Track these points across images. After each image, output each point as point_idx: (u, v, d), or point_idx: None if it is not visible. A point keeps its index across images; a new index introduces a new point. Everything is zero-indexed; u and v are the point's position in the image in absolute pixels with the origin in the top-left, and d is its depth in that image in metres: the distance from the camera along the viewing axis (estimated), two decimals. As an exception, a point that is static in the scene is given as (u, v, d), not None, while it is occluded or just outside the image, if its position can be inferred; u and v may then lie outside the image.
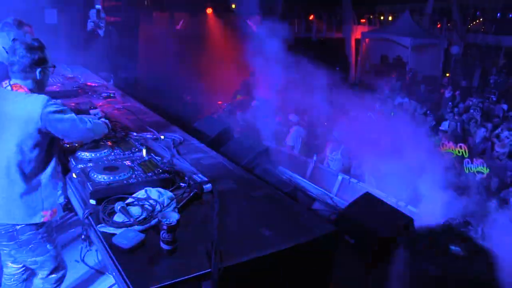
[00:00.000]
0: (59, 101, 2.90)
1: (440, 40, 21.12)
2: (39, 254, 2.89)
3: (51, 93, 4.39)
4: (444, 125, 10.45)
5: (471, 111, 11.63)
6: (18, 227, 2.76)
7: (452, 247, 4.58)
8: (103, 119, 3.33)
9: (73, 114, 2.79)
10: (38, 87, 2.80)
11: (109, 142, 3.36)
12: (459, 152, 7.72)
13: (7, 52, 3.51)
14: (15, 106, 2.68)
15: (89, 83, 5.66)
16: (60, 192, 2.95)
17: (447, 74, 19.36)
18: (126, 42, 8.44)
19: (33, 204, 2.77)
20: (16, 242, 2.80)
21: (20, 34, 3.57)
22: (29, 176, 2.73)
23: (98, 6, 7.17)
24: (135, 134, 3.79)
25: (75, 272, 3.91)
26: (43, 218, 2.81)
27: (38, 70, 2.74)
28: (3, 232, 2.76)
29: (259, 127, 8.95)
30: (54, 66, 2.90)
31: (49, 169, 2.81)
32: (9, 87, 2.73)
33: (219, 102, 12.97)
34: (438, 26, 23.95)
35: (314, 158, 9.24)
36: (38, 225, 2.82)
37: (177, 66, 12.09)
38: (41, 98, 2.68)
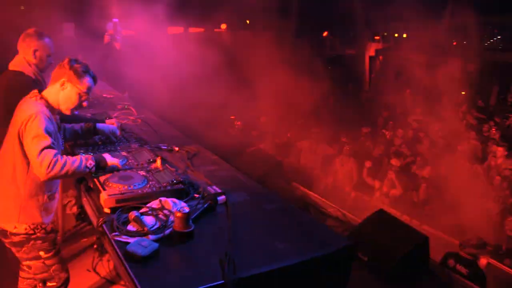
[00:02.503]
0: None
1: (456, 57, 21.02)
2: (32, 259, 2.94)
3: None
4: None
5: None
6: None
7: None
8: (88, 163, 2.85)
9: (47, 147, 2.67)
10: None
11: (123, 152, 3.38)
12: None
13: (28, 63, 3.60)
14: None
15: (104, 95, 5.71)
16: (72, 201, 2.98)
17: (463, 92, 19.23)
18: (142, 55, 8.50)
19: (9, 212, 2.84)
20: (10, 241, 2.89)
21: (40, 45, 3.62)
22: (18, 183, 2.80)
23: (116, 19, 7.26)
24: (149, 145, 3.80)
25: (86, 281, 3.90)
26: (15, 230, 2.84)
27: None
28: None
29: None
30: None
31: (33, 185, 2.83)
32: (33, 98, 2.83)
33: (232, 117, 13.00)
34: (454, 43, 23.86)
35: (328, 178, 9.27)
36: (26, 234, 2.87)
37: (192, 79, 12.16)
38: (32, 111, 2.72)
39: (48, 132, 2.70)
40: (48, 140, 2.67)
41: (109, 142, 3.66)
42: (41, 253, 2.94)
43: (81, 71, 2.89)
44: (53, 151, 2.64)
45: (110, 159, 2.97)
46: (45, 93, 2.90)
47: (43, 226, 2.91)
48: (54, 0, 6.91)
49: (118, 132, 3.73)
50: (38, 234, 2.90)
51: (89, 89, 2.94)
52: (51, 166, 2.60)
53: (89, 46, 7.34)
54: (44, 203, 2.89)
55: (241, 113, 12.88)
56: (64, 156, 2.72)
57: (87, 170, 2.80)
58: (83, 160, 2.78)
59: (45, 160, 2.60)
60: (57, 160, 2.62)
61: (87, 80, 2.92)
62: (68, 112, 2.95)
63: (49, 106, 2.86)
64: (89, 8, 7.22)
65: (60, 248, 3.13)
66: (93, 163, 2.82)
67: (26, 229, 2.85)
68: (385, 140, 11.12)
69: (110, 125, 3.75)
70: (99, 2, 7.63)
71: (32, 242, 2.89)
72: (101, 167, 2.89)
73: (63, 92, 2.88)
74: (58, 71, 2.89)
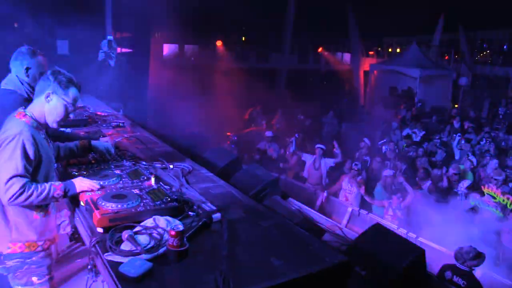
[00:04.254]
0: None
1: (449, 71, 21.20)
2: (24, 285, 2.86)
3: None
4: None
5: (482, 143, 11.56)
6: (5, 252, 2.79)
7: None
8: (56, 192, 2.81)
9: (17, 175, 2.61)
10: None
11: (117, 171, 3.35)
12: (504, 201, 7.47)
13: (20, 81, 3.57)
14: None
15: (99, 113, 5.70)
16: (66, 221, 2.94)
17: (456, 105, 19.37)
18: (137, 72, 8.54)
19: (1, 232, 2.78)
20: (3, 267, 2.82)
21: (33, 63, 3.59)
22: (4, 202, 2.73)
23: (110, 37, 7.30)
24: (144, 163, 3.78)
25: (81, 302, 3.83)
26: (9, 250, 2.79)
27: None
28: None
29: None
30: None
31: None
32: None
33: (228, 134, 13.02)
34: (446, 58, 24.09)
35: (325, 194, 9.21)
36: (24, 254, 2.81)
37: (186, 96, 12.21)
38: (12, 132, 2.68)
39: (26, 157, 2.65)
40: (20, 167, 2.61)
41: (102, 160, 3.63)
42: (34, 278, 2.87)
43: (65, 82, 2.85)
44: (22, 181, 2.60)
45: (80, 186, 2.88)
46: (30, 108, 2.85)
47: (39, 243, 2.86)
48: (48, 17, 6.91)
49: (113, 150, 3.70)
50: (34, 258, 2.84)
51: (75, 100, 2.91)
52: (14, 197, 2.57)
53: (84, 64, 7.36)
54: (35, 220, 2.83)
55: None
56: (33, 186, 2.65)
57: (54, 200, 2.81)
58: (51, 191, 2.73)
59: (11, 189, 2.56)
60: (23, 191, 2.59)
61: (72, 91, 2.88)
62: (55, 125, 2.91)
63: (34, 122, 2.81)
64: (84, 26, 7.23)
65: (53, 276, 3.06)
66: (61, 193, 2.78)
67: (20, 247, 2.79)
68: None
69: (105, 142, 3.73)
70: (94, 20, 7.66)
71: (26, 266, 2.84)
72: (69, 195, 2.86)
73: (48, 105, 2.83)
74: (42, 84, 2.85)
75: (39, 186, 2.70)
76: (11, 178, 2.57)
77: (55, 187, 2.77)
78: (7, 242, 2.78)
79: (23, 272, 2.84)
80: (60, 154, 3.32)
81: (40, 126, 2.86)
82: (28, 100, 3.52)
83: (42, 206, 2.88)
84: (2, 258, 2.79)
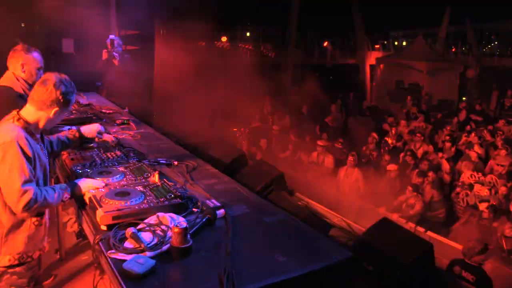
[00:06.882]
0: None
1: (455, 64, 21.03)
2: None
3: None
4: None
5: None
6: None
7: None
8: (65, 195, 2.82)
9: (27, 181, 2.58)
10: None
11: (121, 168, 3.34)
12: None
13: (16, 78, 3.60)
14: None
15: (104, 110, 5.70)
16: (72, 219, 2.92)
17: (463, 98, 19.22)
18: (142, 70, 8.53)
19: None
20: None
21: (29, 59, 3.62)
22: None
23: (112, 36, 7.30)
24: (148, 159, 3.77)
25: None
26: None
27: None
28: None
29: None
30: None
31: (13, 215, 2.73)
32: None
33: (234, 129, 13.01)
34: (453, 50, 23.92)
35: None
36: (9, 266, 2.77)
37: (191, 93, 12.21)
38: (8, 137, 2.62)
39: (28, 161, 2.63)
40: (26, 174, 2.58)
41: (106, 158, 3.61)
42: None
43: (69, 96, 2.82)
44: (32, 189, 2.57)
45: (85, 187, 2.86)
46: (24, 113, 2.78)
47: (29, 254, 2.81)
48: (54, 17, 6.92)
49: (103, 128, 3.66)
50: (17, 269, 2.79)
51: (71, 106, 2.95)
52: (29, 205, 2.55)
53: (89, 62, 7.35)
54: (29, 231, 2.80)
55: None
56: (43, 191, 2.63)
57: (62, 202, 2.80)
58: (60, 195, 2.72)
59: (24, 198, 2.53)
60: (36, 199, 2.56)
61: (72, 101, 2.89)
62: (47, 129, 2.93)
63: (28, 127, 2.76)
64: (88, 24, 7.23)
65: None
66: (68, 196, 2.78)
67: (10, 260, 2.74)
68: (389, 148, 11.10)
69: (92, 125, 3.68)
70: (98, 18, 7.65)
71: (7, 276, 2.78)
72: (77, 196, 2.85)
73: (45, 114, 2.79)
74: (45, 94, 2.75)
75: (49, 190, 2.68)
76: (23, 185, 2.54)
77: (62, 190, 2.75)
78: None
79: (2, 282, 2.79)
80: (54, 148, 3.27)
81: (35, 130, 2.82)
82: (22, 97, 3.53)
83: (40, 215, 2.86)
84: None
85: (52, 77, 2.77)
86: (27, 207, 2.55)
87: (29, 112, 2.79)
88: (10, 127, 2.69)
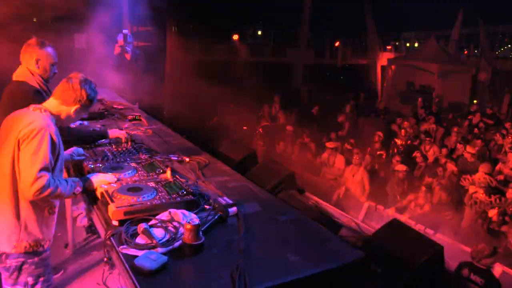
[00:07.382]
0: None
1: (467, 66, 20.84)
2: (17, 284, 2.83)
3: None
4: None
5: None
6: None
7: None
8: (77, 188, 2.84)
9: (44, 168, 2.60)
10: None
11: (133, 163, 3.34)
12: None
13: (31, 73, 3.58)
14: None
15: (115, 105, 5.70)
16: (82, 213, 2.92)
17: (475, 101, 19.05)
18: (154, 66, 8.56)
19: (9, 230, 2.74)
20: (4, 266, 2.79)
21: (43, 54, 3.59)
22: (19, 196, 2.70)
23: (125, 31, 7.31)
24: (160, 156, 3.77)
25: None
26: (13, 249, 2.75)
27: None
28: None
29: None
30: None
31: (8, 204, 2.73)
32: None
33: (244, 128, 13.00)
34: (465, 52, 23.72)
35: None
36: (27, 254, 2.78)
37: (203, 90, 12.23)
38: (37, 125, 2.65)
39: (52, 151, 2.66)
40: (46, 161, 2.61)
41: (118, 154, 3.62)
42: (29, 279, 2.83)
43: (92, 95, 2.89)
44: (47, 176, 2.60)
45: (97, 181, 2.89)
46: (47, 105, 2.84)
47: (42, 242, 2.83)
48: (66, 12, 6.95)
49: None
50: (36, 259, 2.81)
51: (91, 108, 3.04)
52: (41, 190, 2.56)
53: (100, 57, 7.37)
54: (45, 217, 2.82)
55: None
56: (57, 181, 2.66)
57: (73, 196, 2.83)
58: (72, 187, 2.76)
59: (38, 182, 2.55)
60: (48, 185, 2.58)
61: (94, 103, 2.97)
62: (64, 126, 3.01)
63: (54, 118, 2.81)
64: (100, 19, 7.26)
65: (51, 282, 3.02)
66: (80, 190, 2.81)
67: (26, 247, 2.76)
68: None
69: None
70: (111, 13, 7.68)
71: (26, 266, 2.80)
72: (88, 191, 2.88)
73: (67, 109, 2.85)
74: (70, 92, 2.82)
75: (62, 181, 2.71)
76: (40, 171, 2.57)
77: (75, 183, 2.78)
78: (13, 242, 2.74)
79: (20, 273, 2.80)
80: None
81: (58, 122, 2.86)
82: (38, 91, 3.52)
83: (52, 203, 2.87)
84: (4, 257, 2.76)
85: (78, 75, 2.86)
86: (39, 193, 2.57)
87: (53, 105, 2.84)
88: (40, 115, 2.74)
